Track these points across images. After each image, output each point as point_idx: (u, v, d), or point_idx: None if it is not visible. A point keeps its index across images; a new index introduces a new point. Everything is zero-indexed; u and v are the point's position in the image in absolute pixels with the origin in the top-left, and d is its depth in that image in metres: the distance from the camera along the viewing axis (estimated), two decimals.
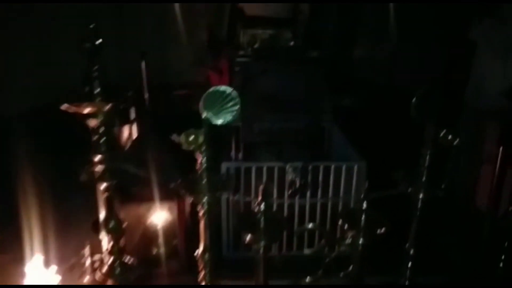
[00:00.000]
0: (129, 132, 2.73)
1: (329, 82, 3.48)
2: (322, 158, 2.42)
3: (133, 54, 3.70)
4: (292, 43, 3.62)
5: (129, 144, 2.66)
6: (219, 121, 1.47)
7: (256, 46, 3.60)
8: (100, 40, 1.36)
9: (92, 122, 1.36)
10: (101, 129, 1.38)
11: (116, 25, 4.50)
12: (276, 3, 3.59)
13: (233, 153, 2.64)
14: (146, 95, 3.68)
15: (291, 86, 2.97)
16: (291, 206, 2.19)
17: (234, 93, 1.47)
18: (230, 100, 1.46)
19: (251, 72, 3.36)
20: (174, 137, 1.41)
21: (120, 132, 2.71)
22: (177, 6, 4.28)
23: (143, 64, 3.69)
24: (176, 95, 4.12)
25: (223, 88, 1.47)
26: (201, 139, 1.45)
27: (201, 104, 1.47)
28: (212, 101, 1.46)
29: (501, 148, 1.71)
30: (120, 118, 2.58)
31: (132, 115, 2.75)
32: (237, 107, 1.49)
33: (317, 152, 2.59)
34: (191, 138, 1.44)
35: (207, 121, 1.46)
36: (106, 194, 1.47)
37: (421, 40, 4.12)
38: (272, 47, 3.57)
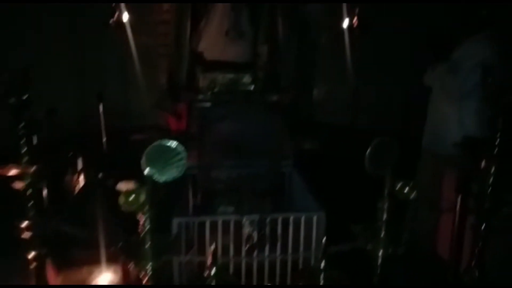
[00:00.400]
0: (74, 182, 2.56)
1: (290, 126, 3.46)
2: (282, 207, 2.33)
3: (92, 96, 3.59)
4: (252, 87, 3.60)
5: (73, 195, 2.48)
6: (163, 178, 1.36)
7: (215, 90, 3.55)
8: (27, 95, 1.23)
9: (18, 185, 1.21)
10: (28, 192, 1.24)
11: (75, 67, 4.38)
12: (235, 48, 3.58)
13: (188, 203, 2.50)
14: (103, 139, 3.54)
15: (251, 131, 2.92)
16: (249, 263, 2.06)
17: (180, 147, 1.37)
18: (176, 155, 1.36)
19: (210, 117, 3.30)
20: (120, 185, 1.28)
21: (65, 182, 2.54)
22: (138, 48, 4.22)
23: (100, 107, 3.56)
24: (133, 140, 3.98)
25: (167, 142, 1.36)
26: (142, 198, 1.33)
27: (143, 160, 1.35)
28: (156, 156, 1.35)
29: (459, 197, 1.67)
30: (65, 167, 2.41)
31: (79, 164, 2.59)
32: (183, 161, 1.38)
33: (277, 200, 2.49)
34: (131, 197, 1.32)
35: (150, 178, 1.34)
36: (35, 264, 1.30)
37: (380, 82, 4.22)
38: (231, 91, 3.53)
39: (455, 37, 2.40)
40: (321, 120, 4.28)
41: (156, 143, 1.37)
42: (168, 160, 1.36)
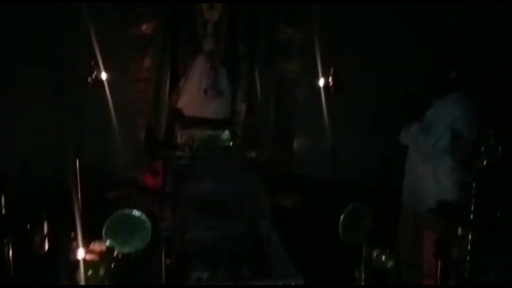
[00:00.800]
0: (41, 243, 2.42)
1: (269, 183, 3.41)
2: (260, 272, 2.22)
3: (69, 152, 3.51)
4: (230, 144, 3.59)
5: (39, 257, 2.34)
6: (126, 250, 1.27)
7: (194, 146, 3.52)
8: None
9: None
10: None
11: (55, 121, 4.31)
12: (214, 105, 3.60)
13: (161, 266, 2.37)
14: (78, 196, 3.41)
15: (228, 190, 2.85)
16: None
17: (143, 217, 1.30)
18: (139, 224, 1.28)
19: (186, 174, 3.23)
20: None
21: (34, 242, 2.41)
22: (116, 104, 4.20)
23: (77, 163, 3.47)
24: (109, 197, 3.85)
25: (131, 211, 1.29)
26: (102, 272, 1.24)
27: (104, 230, 1.27)
28: (118, 226, 1.27)
29: (439, 262, 1.61)
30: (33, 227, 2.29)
31: (45, 228, 2.46)
32: (147, 232, 1.31)
33: (255, 264, 2.38)
34: (89, 272, 1.22)
35: (112, 250, 1.26)
36: None
37: (358, 136, 4.26)
38: (210, 147, 3.51)
39: (427, 98, 2.46)
40: (300, 175, 4.25)
41: (119, 212, 1.30)
42: (132, 231, 1.28)
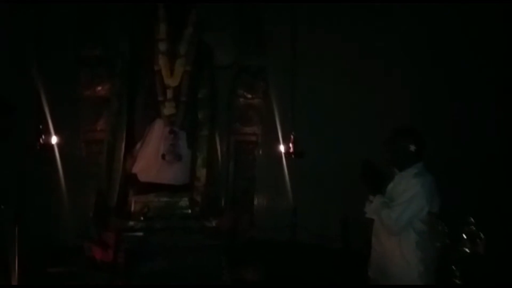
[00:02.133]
0: None
1: (229, 254, 3.23)
2: None
3: (9, 218, 3.15)
4: (189, 211, 3.41)
5: None
6: None
7: (148, 215, 3.29)
8: None
9: None
10: None
11: None
12: (172, 171, 3.44)
13: None
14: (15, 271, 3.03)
15: (187, 267, 2.64)
16: None
17: None
18: None
19: (141, 249, 3.00)
20: None
21: None
22: (65, 167, 3.93)
23: (16, 230, 3.12)
24: (51, 272, 3.47)
25: None
26: None
27: None
28: None
29: None
30: None
31: None
32: None
33: None
34: None
35: None
36: None
37: (319, 199, 4.24)
38: (167, 216, 3.30)
39: (386, 172, 2.48)
40: (261, 240, 4.11)
41: None
42: None
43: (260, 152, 3.95)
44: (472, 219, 1.26)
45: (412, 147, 2.38)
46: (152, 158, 3.44)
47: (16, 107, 2.55)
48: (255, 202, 4.08)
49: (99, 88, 3.58)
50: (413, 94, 4.08)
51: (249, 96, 3.78)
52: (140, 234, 3.08)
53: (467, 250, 1.23)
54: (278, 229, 4.25)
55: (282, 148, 3.67)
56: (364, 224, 2.68)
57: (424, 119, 3.74)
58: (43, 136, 3.22)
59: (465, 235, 1.25)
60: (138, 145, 3.50)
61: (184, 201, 3.44)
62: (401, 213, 2.26)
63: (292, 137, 3.61)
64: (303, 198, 4.23)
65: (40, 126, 3.24)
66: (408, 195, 2.28)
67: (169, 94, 3.37)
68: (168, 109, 3.38)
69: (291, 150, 3.60)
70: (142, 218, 3.28)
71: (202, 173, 3.52)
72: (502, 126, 3.86)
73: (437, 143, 3.40)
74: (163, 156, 3.39)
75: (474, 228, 1.24)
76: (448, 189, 2.39)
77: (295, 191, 4.21)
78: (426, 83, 4.07)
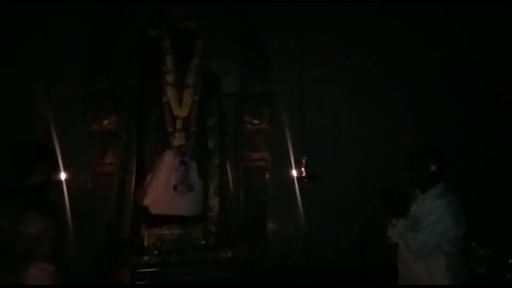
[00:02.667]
0: None
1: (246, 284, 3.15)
2: None
3: None
4: (203, 242, 3.33)
5: None
6: None
7: (162, 249, 3.22)
8: None
9: None
10: None
11: None
12: (184, 202, 3.39)
13: None
14: None
15: None
16: None
17: None
18: None
19: (156, 284, 2.92)
20: None
21: None
22: (72, 202, 3.85)
23: None
24: None
25: None
26: None
27: None
28: None
29: None
30: None
31: None
32: None
33: None
34: None
35: None
36: None
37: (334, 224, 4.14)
38: (181, 249, 3.22)
39: (407, 195, 2.43)
40: (274, 265, 4.02)
41: None
42: None
43: (268, 176, 3.92)
44: None
45: (433, 167, 2.33)
46: (163, 190, 3.40)
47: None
48: (268, 228, 4.02)
49: (106, 121, 3.58)
50: (427, 115, 4.06)
51: (256, 122, 3.79)
52: (155, 269, 2.99)
53: None
54: (291, 255, 4.17)
55: (294, 172, 3.63)
56: (381, 247, 2.62)
57: (439, 140, 3.72)
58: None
59: None
60: (148, 177, 3.47)
61: (198, 232, 3.39)
62: (428, 236, 2.20)
63: (304, 161, 3.57)
64: (315, 222, 4.15)
65: None
66: (433, 217, 2.22)
67: (179, 124, 3.36)
68: (178, 140, 3.37)
69: (303, 174, 3.56)
70: (156, 252, 3.21)
71: (214, 202, 3.48)
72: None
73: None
74: (175, 187, 3.36)
75: None
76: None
77: (307, 215, 4.15)
78: (439, 105, 4.07)
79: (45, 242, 1.69)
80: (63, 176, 3.30)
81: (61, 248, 1.85)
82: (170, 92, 3.37)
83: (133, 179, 3.55)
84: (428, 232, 2.21)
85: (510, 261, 1.18)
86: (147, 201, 3.46)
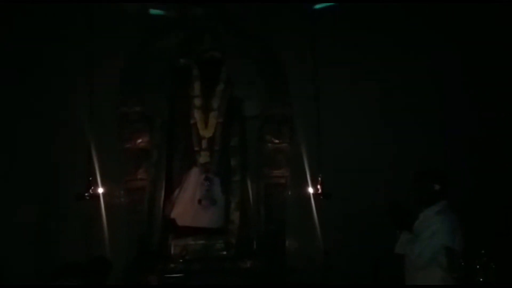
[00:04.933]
0: None
1: None
2: None
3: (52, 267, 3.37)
4: (224, 253, 3.60)
5: None
6: None
7: (187, 257, 3.51)
8: None
9: None
10: None
11: (40, 237, 4.20)
12: (208, 215, 3.68)
13: None
14: None
15: None
16: None
17: None
18: None
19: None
20: None
21: None
22: (109, 216, 4.15)
23: None
24: None
25: None
26: None
27: None
28: None
29: None
30: None
31: None
32: None
33: None
34: None
35: None
36: None
37: (350, 241, 4.28)
38: (204, 258, 3.50)
39: (413, 211, 2.62)
40: (293, 283, 4.18)
41: None
42: None
43: (290, 193, 4.13)
44: (483, 252, 1.41)
45: (437, 187, 2.52)
46: (189, 204, 3.71)
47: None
48: (286, 243, 4.21)
49: (139, 141, 3.94)
50: (441, 135, 4.19)
51: (276, 141, 4.06)
52: (180, 275, 3.27)
53: (481, 279, 1.38)
54: (310, 271, 4.30)
55: (311, 190, 3.85)
56: (396, 263, 2.78)
57: (451, 162, 3.85)
58: (92, 187, 3.54)
59: (479, 266, 1.40)
60: (176, 192, 3.79)
61: (220, 244, 3.66)
62: (423, 248, 2.38)
63: (319, 179, 3.80)
64: (333, 239, 4.29)
65: (90, 178, 3.57)
66: (429, 232, 2.41)
67: (204, 144, 3.69)
68: (203, 158, 3.69)
69: (319, 191, 3.77)
70: (181, 260, 3.50)
71: (235, 216, 3.76)
72: None
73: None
74: (200, 201, 3.66)
75: (486, 259, 1.39)
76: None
77: (326, 232, 4.29)
78: (454, 126, 4.18)
79: None
80: (100, 190, 3.67)
81: None
82: (197, 115, 3.72)
83: (162, 193, 3.88)
84: (424, 245, 2.41)
85: (477, 266, 1.37)
86: (174, 213, 3.78)
